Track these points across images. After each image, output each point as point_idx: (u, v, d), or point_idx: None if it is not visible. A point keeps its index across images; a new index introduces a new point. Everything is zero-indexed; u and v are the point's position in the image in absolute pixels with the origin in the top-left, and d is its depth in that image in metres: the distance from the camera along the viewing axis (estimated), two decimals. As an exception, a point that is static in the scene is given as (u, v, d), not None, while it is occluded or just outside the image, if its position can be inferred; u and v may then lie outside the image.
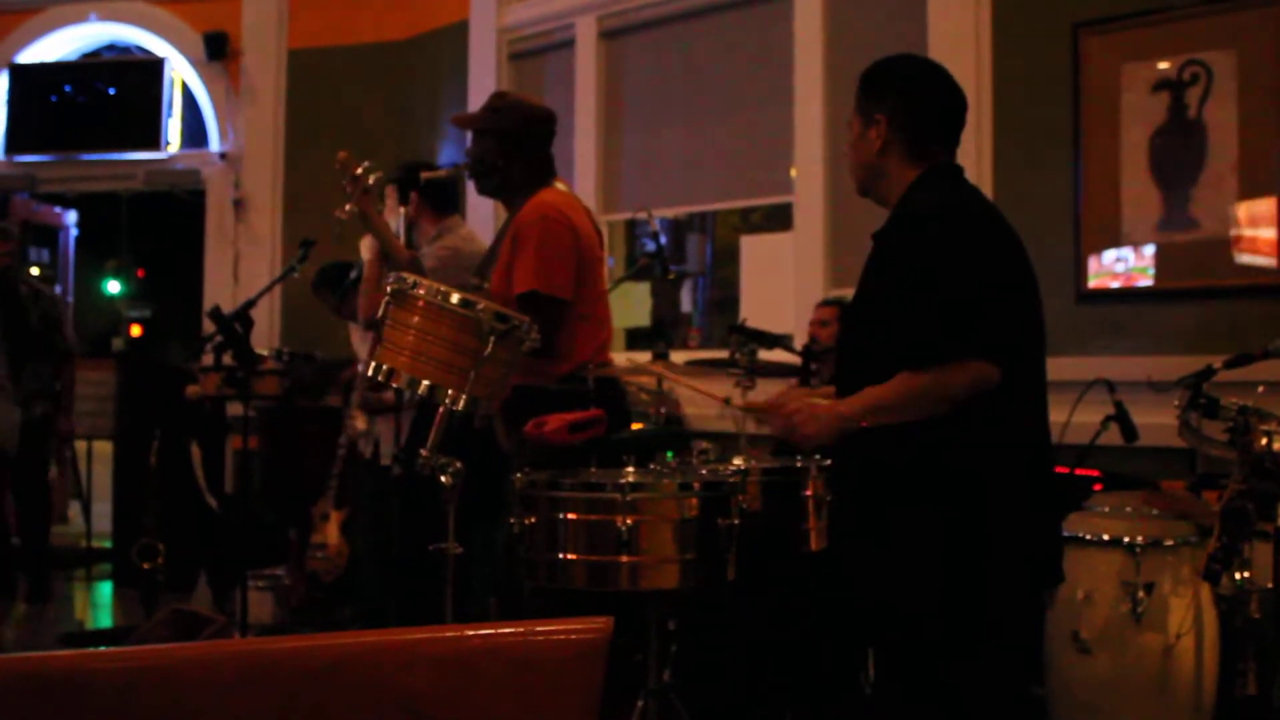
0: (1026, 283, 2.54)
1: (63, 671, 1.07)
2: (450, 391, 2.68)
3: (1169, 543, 3.43)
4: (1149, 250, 4.94)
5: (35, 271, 8.98)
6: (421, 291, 2.70)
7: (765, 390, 4.50)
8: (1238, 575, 3.20)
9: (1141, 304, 4.99)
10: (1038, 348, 2.55)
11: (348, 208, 3.42)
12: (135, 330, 18.93)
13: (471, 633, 1.15)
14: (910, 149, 2.60)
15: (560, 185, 3.72)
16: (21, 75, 8.54)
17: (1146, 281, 4.96)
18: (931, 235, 2.44)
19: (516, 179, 3.68)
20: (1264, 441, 3.21)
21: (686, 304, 8.29)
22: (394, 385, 2.72)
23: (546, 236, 3.48)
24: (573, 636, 1.18)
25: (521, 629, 1.18)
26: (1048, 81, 5.17)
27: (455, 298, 2.70)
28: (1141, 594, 3.35)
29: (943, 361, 2.35)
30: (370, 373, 2.74)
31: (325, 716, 1.11)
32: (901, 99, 2.63)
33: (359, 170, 3.59)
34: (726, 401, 3.11)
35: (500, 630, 1.17)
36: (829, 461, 2.83)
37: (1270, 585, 3.33)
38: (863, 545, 2.49)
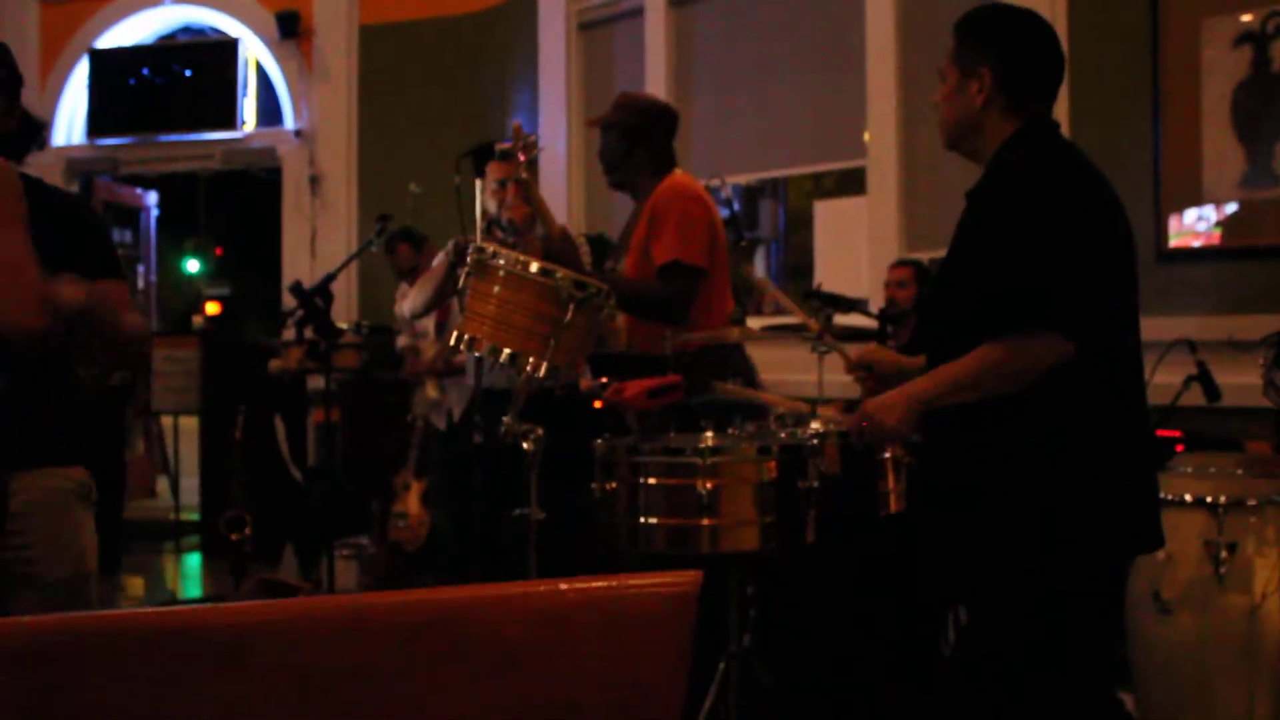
0: (1124, 247, 2.47)
1: (180, 626, 1.12)
2: (531, 359, 2.72)
3: (1252, 503, 3.39)
4: (1231, 208, 4.86)
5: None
6: (502, 261, 2.74)
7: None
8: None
9: (1223, 262, 4.91)
10: (1132, 312, 2.48)
11: (523, 175, 3.51)
12: (213, 308, 19.28)
13: (565, 586, 1.19)
14: (1012, 103, 2.51)
15: (680, 174, 3.90)
16: (101, 60, 8.72)
17: (1229, 240, 4.87)
18: (1028, 197, 2.37)
19: (640, 169, 3.89)
20: (1351, 399, 3.16)
21: (761, 270, 8.29)
22: (476, 353, 2.76)
23: (685, 209, 3.68)
24: (663, 590, 1.22)
25: (614, 582, 1.21)
26: (1126, 38, 5.08)
27: (534, 266, 2.74)
28: (1224, 554, 3.32)
29: (1019, 332, 2.30)
30: (453, 342, 2.79)
31: (428, 665, 1.15)
32: (1008, 51, 2.54)
33: (529, 140, 3.63)
34: (812, 334, 3.10)
35: (592, 584, 1.20)
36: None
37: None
38: (950, 516, 2.46)
